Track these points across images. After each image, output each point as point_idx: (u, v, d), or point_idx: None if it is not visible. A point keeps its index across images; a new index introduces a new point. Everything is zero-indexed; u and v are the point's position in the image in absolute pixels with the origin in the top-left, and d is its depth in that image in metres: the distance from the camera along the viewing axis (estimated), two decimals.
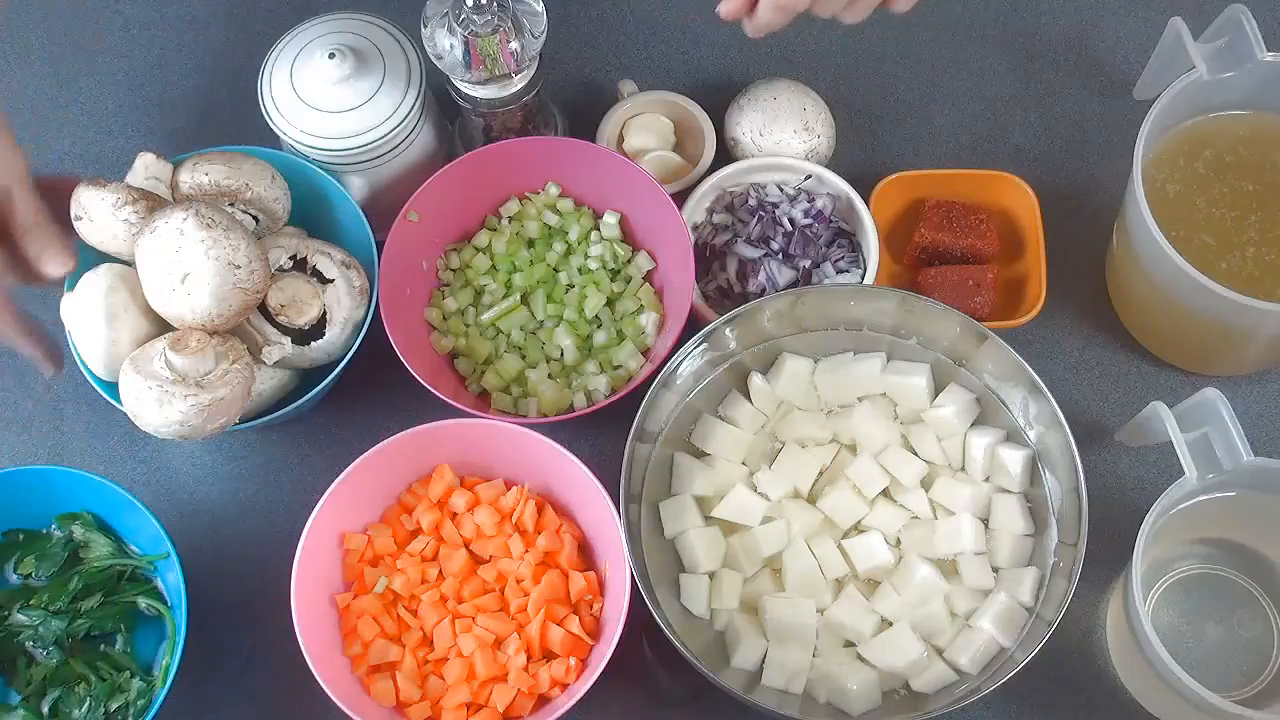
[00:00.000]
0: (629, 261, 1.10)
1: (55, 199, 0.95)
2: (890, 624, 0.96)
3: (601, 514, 0.97)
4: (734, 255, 1.09)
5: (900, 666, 0.95)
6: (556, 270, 1.10)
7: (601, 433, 1.05)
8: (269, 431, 1.10)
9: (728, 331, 1.00)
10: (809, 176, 1.11)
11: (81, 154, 1.20)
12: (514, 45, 1.01)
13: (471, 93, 1.05)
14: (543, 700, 0.97)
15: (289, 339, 0.99)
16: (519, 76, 1.05)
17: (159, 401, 0.90)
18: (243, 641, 1.04)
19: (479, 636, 0.97)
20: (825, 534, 0.99)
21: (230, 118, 1.20)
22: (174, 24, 1.25)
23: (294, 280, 0.99)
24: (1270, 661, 0.98)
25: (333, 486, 0.98)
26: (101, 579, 1.01)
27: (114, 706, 0.98)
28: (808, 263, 1.08)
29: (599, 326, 1.08)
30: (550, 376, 1.07)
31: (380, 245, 1.04)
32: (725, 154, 1.14)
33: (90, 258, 0.99)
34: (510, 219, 1.11)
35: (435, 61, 1.03)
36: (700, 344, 0.99)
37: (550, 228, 1.11)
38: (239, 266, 0.92)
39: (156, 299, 0.93)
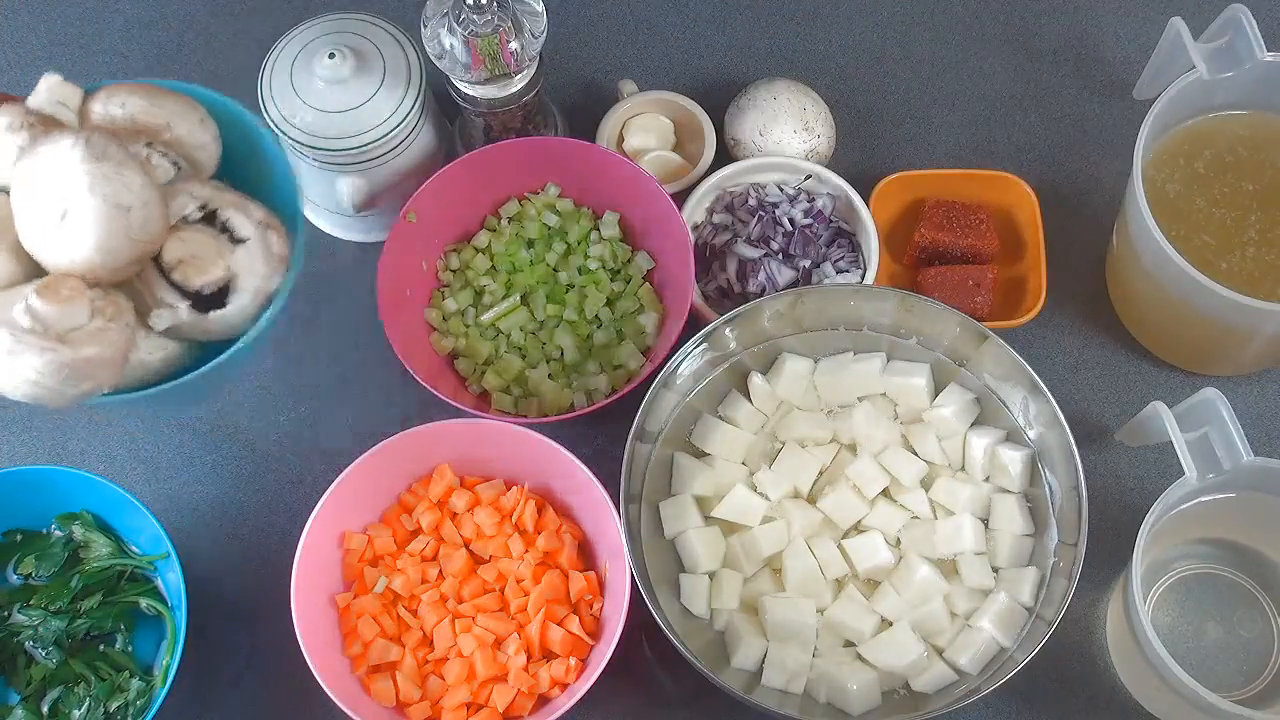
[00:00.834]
0: (629, 261, 1.10)
1: None
2: (890, 624, 0.96)
3: (601, 514, 0.97)
4: (734, 255, 1.09)
5: (900, 666, 0.95)
6: (556, 270, 1.10)
7: (601, 433, 1.05)
8: (269, 431, 1.10)
9: (728, 331, 1.00)
10: (809, 176, 1.11)
11: None
12: (514, 45, 1.01)
13: (471, 93, 1.05)
14: (543, 700, 0.97)
15: (186, 304, 0.84)
16: (519, 76, 1.05)
17: (9, 352, 0.76)
18: (243, 641, 1.04)
19: (479, 636, 0.97)
20: (825, 534, 0.99)
21: None
22: (174, 24, 1.25)
23: (198, 235, 0.84)
24: (1270, 661, 0.98)
25: (333, 486, 0.98)
26: (101, 579, 1.01)
27: (114, 706, 0.98)
28: (808, 263, 1.08)
29: (599, 326, 1.08)
30: (550, 376, 1.07)
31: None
32: (725, 154, 1.14)
33: None
34: (510, 219, 1.11)
35: (435, 61, 1.03)
36: (700, 344, 0.99)
37: (550, 228, 1.11)
38: (130, 209, 0.77)
39: (30, 238, 0.79)
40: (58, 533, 1.03)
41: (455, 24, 1.00)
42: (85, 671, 0.99)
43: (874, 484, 0.99)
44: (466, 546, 1.02)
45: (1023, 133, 1.18)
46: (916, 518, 1.00)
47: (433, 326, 1.09)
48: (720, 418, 1.03)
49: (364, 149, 1.04)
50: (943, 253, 1.09)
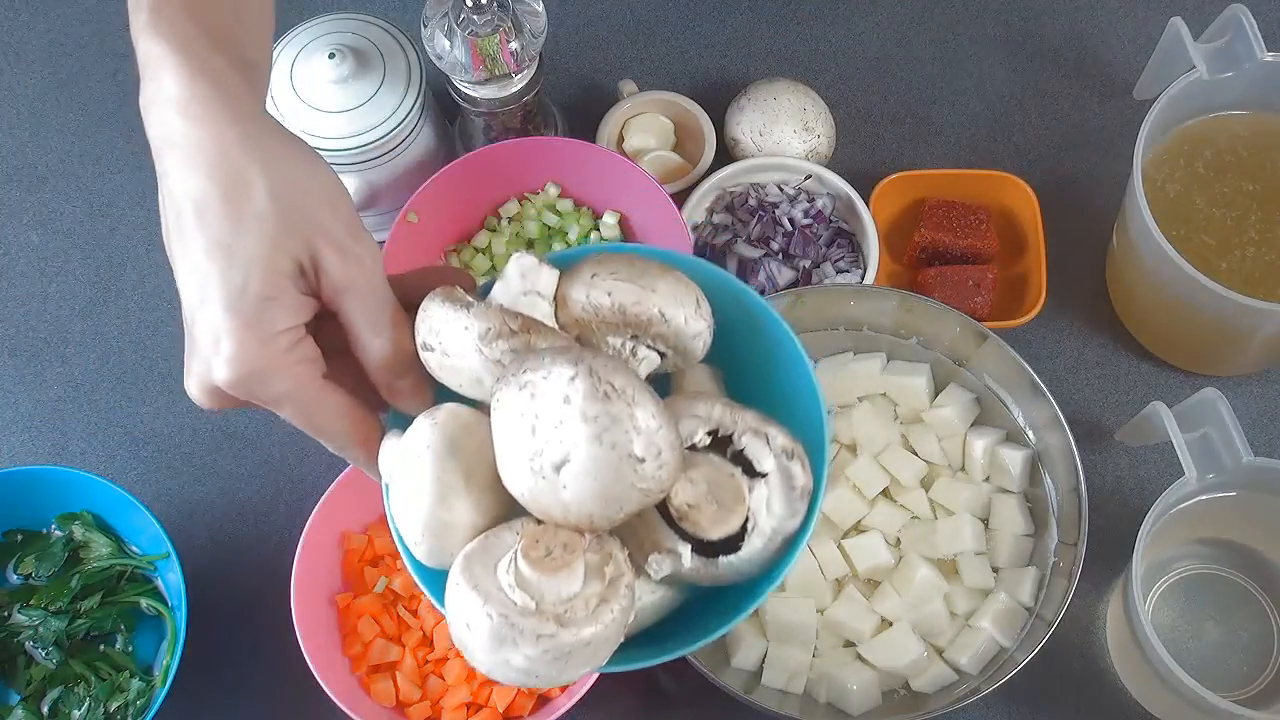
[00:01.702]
0: None
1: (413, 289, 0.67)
2: (890, 624, 0.96)
3: None
4: (734, 255, 1.09)
5: (900, 666, 0.95)
6: None
7: None
8: (269, 431, 1.10)
9: None
10: (809, 176, 1.11)
11: (81, 154, 1.20)
12: (514, 45, 1.01)
13: (471, 93, 1.05)
14: (543, 700, 0.97)
15: (689, 546, 0.66)
16: (519, 76, 1.05)
17: (497, 637, 0.60)
18: (243, 641, 1.04)
19: None
20: (825, 534, 0.99)
21: None
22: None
23: (711, 468, 0.66)
24: (1270, 661, 0.98)
25: (332, 486, 0.98)
26: (101, 579, 1.01)
27: (114, 706, 0.98)
28: (808, 263, 1.08)
29: None
30: None
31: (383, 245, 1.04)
32: (725, 154, 1.14)
33: (439, 392, 0.67)
34: (510, 219, 1.11)
35: (435, 61, 1.03)
36: None
37: (550, 228, 1.11)
38: (642, 460, 0.60)
39: (514, 481, 0.62)
40: (58, 533, 1.03)
41: (455, 24, 1.00)
42: (85, 671, 0.99)
43: (874, 484, 0.99)
44: None
45: (1023, 133, 1.18)
46: (916, 518, 1.00)
47: None
48: None
49: (364, 149, 1.04)
50: (943, 253, 1.09)
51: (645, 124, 1.16)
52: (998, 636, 0.95)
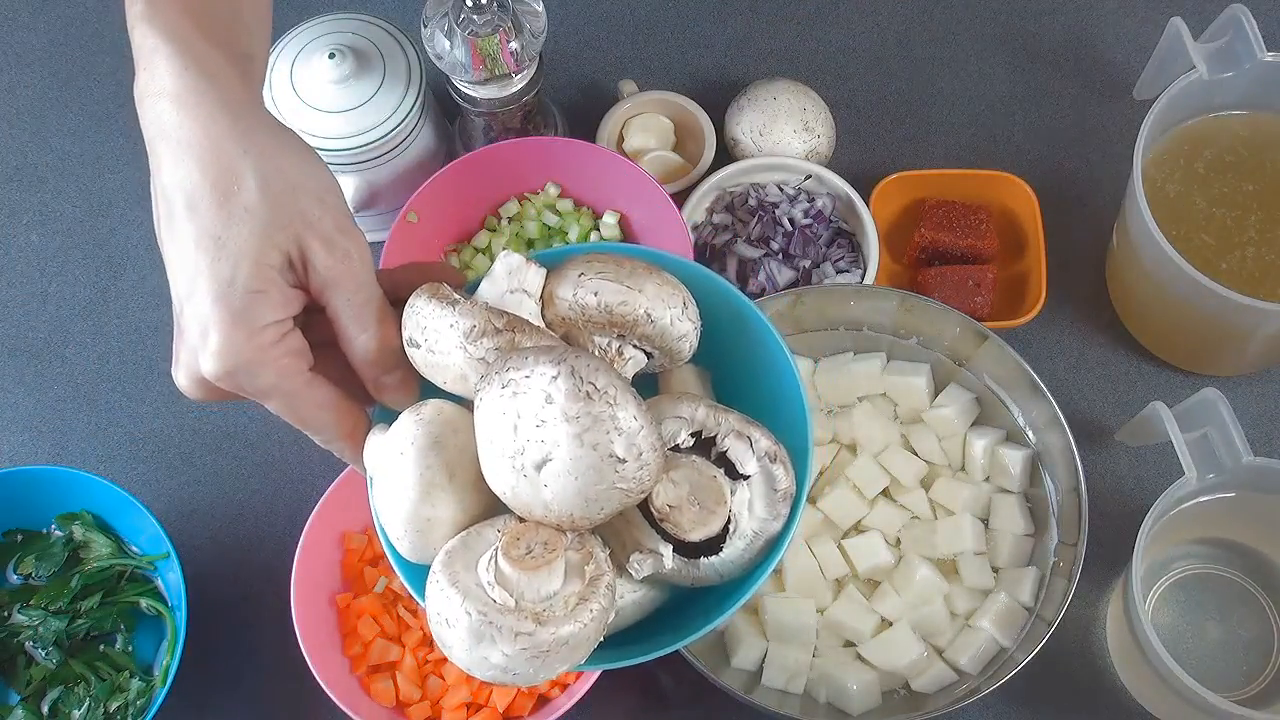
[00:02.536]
0: None
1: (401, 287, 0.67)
2: (890, 624, 0.96)
3: None
4: (734, 255, 1.09)
5: (900, 666, 0.95)
6: None
7: None
8: (269, 431, 1.10)
9: None
10: (809, 176, 1.11)
11: (81, 154, 1.20)
12: (514, 45, 1.01)
13: (471, 93, 1.05)
14: (542, 700, 0.97)
15: (670, 547, 0.66)
16: (519, 76, 1.05)
17: (475, 634, 0.60)
18: (243, 641, 1.04)
19: None
20: (825, 534, 0.99)
21: None
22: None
23: (693, 470, 0.66)
24: (1270, 661, 0.98)
25: (332, 486, 0.98)
26: (101, 579, 1.01)
27: (114, 706, 0.98)
28: (808, 263, 1.08)
29: None
30: None
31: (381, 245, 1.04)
32: (725, 154, 1.14)
33: (425, 388, 0.67)
34: (510, 219, 1.11)
35: (435, 61, 1.03)
36: None
37: (550, 228, 1.11)
38: (624, 461, 0.60)
39: (496, 479, 0.62)
40: (58, 533, 1.03)
41: (455, 24, 1.00)
42: (85, 671, 0.99)
43: (874, 484, 0.99)
44: None
45: (1023, 133, 1.18)
46: (916, 518, 1.00)
47: None
48: None
49: (364, 149, 1.04)
50: (943, 253, 1.09)
51: (645, 124, 1.16)
52: (998, 636, 0.95)
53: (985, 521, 0.99)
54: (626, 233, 1.11)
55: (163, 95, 0.62)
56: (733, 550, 0.66)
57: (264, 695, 1.03)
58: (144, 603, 1.02)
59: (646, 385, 0.67)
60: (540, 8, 1.03)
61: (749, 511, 0.66)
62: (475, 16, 0.99)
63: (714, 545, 0.66)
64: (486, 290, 0.66)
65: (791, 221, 1.09)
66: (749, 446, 0.66)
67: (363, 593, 1.01)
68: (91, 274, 1.16)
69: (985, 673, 0.94)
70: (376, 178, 1.08)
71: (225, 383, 0.61)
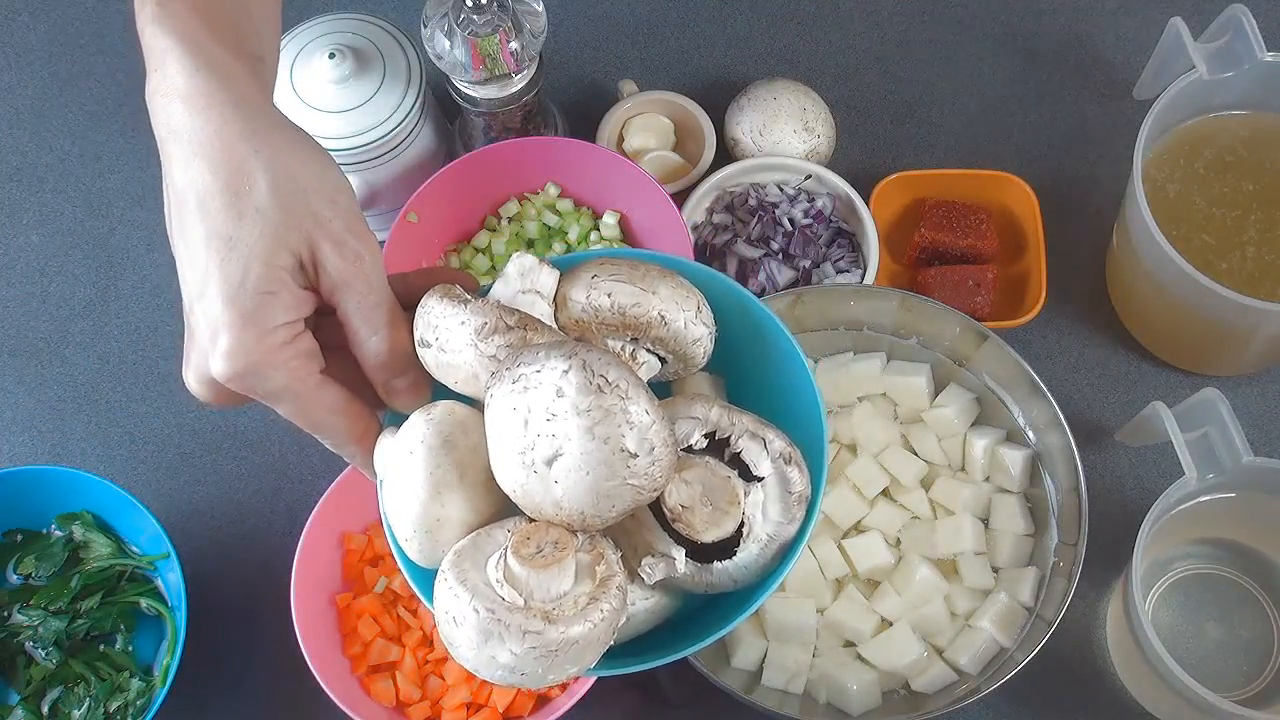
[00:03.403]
0: None
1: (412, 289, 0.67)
2: (890, 624, 0.96)
3: None
4: (734, 255, 1.09)
5: (900, 666, 0.95)
6: None
7: None
8: (269, 431, 1.10)
9: None
10: (809, 176, 1.11)
11: (81, 154, 1.20)
12: (514, 45, 1.01)
13: (471, 93, 1.05)
14: (543, 700, 0.97)
15: (683, 551, 0.65)
16: (519, 76, 1.05)
17: (483, 633, 0.59)
18: (243, 641, 1.04)
19: None
20: (825, 534, 0.99)
21: None
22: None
23: (706, 471, 0.65)
24: (1270, 661, 0.98)
25: (332, 486, 0.98)
26: (101, 579, 1.01)
27: (113, 707, 0.98)
28: (808, 263, 1.08)
29: None
30: None
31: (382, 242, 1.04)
32: (725, 154, 1.14)
33: (437, 391, 0.66)
34: (510, 219, 1.11)
35: (435, 61, 1.03)
36: None
37: (550, 228, 1.11)
38: (635, 456, 0.59)
39: (506, 476, 0.61)
40: (58, 533, 1.03)
41: (455, 24, 1.00)
42: (85, 671, 0.99)
43: (874, 484, 0.99)
44: None
45: (1023, 133, 1.18)
46: (916, 518, 1.00)
47: None
48: None
49: (364, 149, 1.04)
50: (943, 253, 1.09)
51: (645, 124, 1.16)
52: (998, 636, 0.95)
53: (985, 521, 0.99)
54: (626, 233, 1.11)
55: (174, 96, 0.62)
56: (746, 554, 0.65)
57: (264, 695, 1.03)
58: (144, 603, 1.02)
59: (660, 392, 0.67)
60: (540, 8, 1.03)
61: (763, 515, 0.65)
62: (475, 16, 0.99)
63: (727, 549, 0.65)
64: (499, 291, 0.65)
65: (791, 221, 1.09)
66: (763, 448, 0.65)
67: (363, 593, 1.01)
68: (91, 274, 1.16)
69: (985, 673, 0.94)
70: (376, 178, 1.08)
71: (235, 384, 0.61)
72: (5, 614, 1.01)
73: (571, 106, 1.19)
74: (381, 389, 0.65)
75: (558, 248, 1.10)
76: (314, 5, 1.20)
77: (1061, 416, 0.94)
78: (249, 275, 0.60)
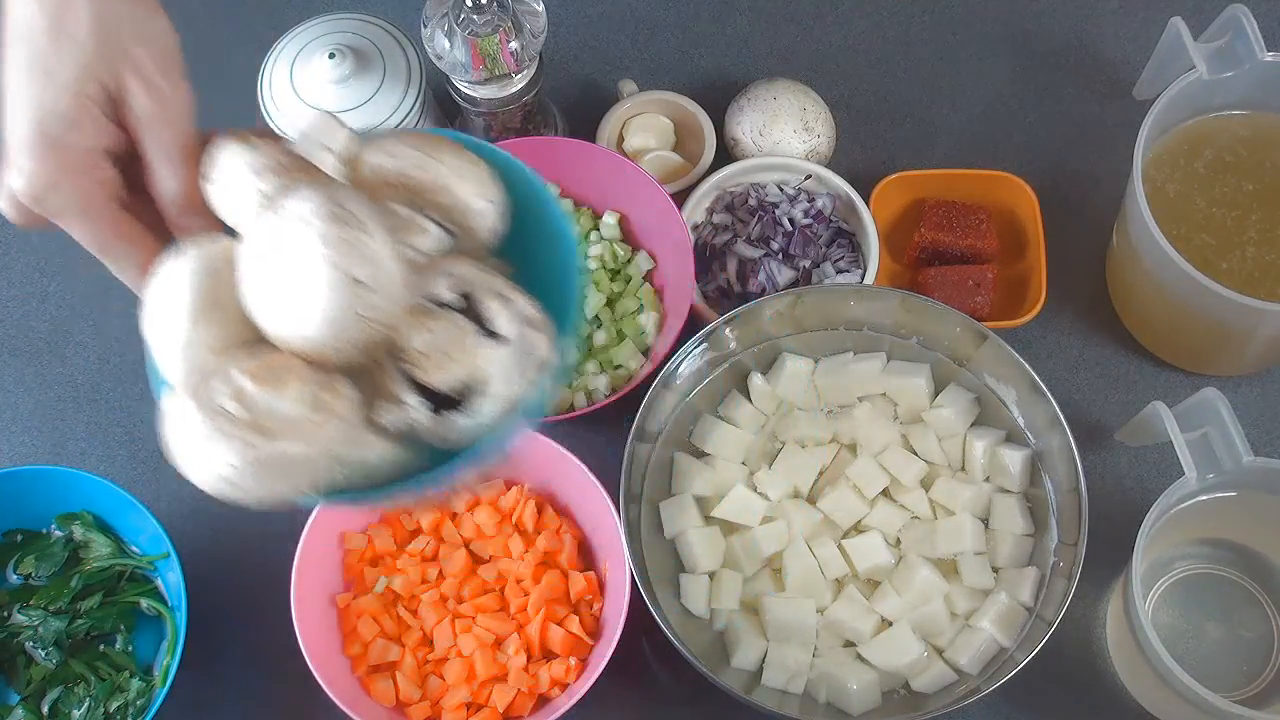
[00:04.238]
0: (629, 261, 1.10)
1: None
2: (890, 624, 0.96)
3: (601, 514, 0.97)
4: (734, 255, 1.09)
5: (900, 666, 0.95)
6: None
7: (601, 433, 1.05)
8: None
9: (728, 331, 1.00)
10: (809, 176, 1.11)
11: None
12: (514, 45, 1.01)
13: (471, 93, 1.05)
14: (543, 700, 0.97)
15: (418, 398, 0.66)
16: (519, 76, 1.05)
17: (207, 439, 0.64)
18: (243, 641, 1.04)
19: (479, 636, 0.97)
20: (825, 534, 0.99)
21: (230, 117, 1.20)
22: (174, 23, 1.25)
23: (449, 324, 0.66)
24: (1270, 661, 0.98)
25: None
26: (101, 579, 1.01)
27: (113, 706, 0.98)
28: (808, 263, 1.08)
29: (599, 326, 1.08)
30: None
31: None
32: (725, 154, 1.14)
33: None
34: None
35: (435, 61, 1.03)
36: (700, 344, 0.99)
37: None
38: (365, 286, 0.62)
39: (255, 302, 0.65)
40: (58, 533, 1.03)
41: (455, 24, 1.00)
42: (85, 671, 0.99)
43: (874, 484, 0.99)
44: (466, 546, 1.02)
45: (1023, 133, 1.18)
46: (916, 518, 1.00)
47: None
48: (720, 418, 1.03)
49: None
50: (943, 253, 1.09)
51: (645, 124, 1.16)
52: (998, 636, 0.95)
53: (985, 521, 0.99)
54: (626, 232, 1.11)
55: None
56: (481, 411, 0.66)
57: (264, 695, 1.03)
58: (144, 603, 1.02)
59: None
60: (540, 8, 1.03)
61: (503, 375, 0.66)
62: (475, 16, 0.99)
63: (466, 406, 0.67)
64: (295, 144, 0.69)
65: (791, 221, 1.09)
66: (510, 311, 0.66)
67: (363, 593, 1.01)
68: (91, 274, 1.16)
69: (985, 673, 0.94)
70: None
71: (34, 203, 0.65)
72: (5, 614, 1.01)
73: (571, 106, 1.19)
74: (174, 226, 0.69)
75: None
76: (314, 5, 1.20)
77: (1061, 416, 0.94)
78: (59, 103, 0.64)
